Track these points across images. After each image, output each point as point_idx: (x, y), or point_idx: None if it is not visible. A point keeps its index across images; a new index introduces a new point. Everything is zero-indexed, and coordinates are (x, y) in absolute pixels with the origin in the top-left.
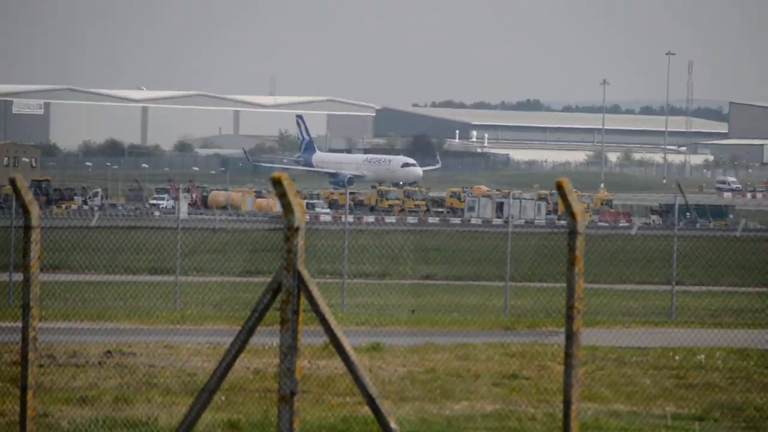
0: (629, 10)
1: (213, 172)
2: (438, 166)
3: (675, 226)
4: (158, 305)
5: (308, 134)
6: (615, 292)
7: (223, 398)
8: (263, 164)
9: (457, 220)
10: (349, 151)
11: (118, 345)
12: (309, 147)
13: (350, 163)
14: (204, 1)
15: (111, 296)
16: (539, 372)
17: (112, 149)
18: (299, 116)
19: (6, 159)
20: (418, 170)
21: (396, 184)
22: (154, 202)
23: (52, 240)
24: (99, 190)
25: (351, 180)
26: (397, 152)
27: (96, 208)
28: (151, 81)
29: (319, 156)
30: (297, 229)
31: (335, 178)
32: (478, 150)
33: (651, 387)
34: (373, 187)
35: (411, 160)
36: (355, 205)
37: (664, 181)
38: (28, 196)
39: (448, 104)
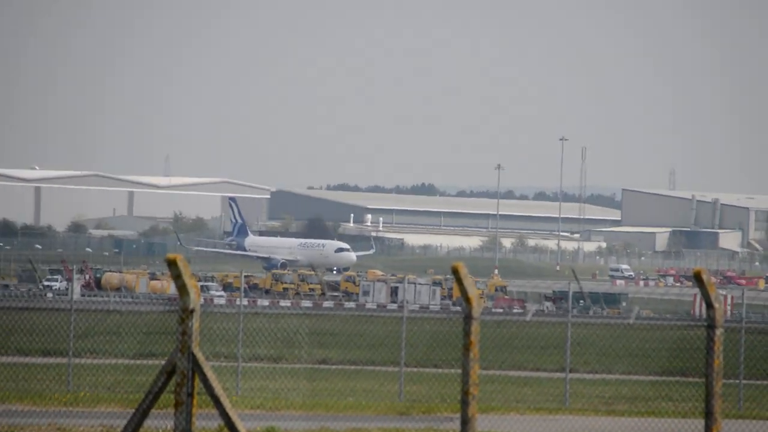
0: (523, 94)
1: (107, 253)
2: (372, 251)
3: (569, 312)
4: (51, 387)
5: (241, 217)
6: (509, 379)
7: None
8: (196, 247)
9: (351, 304)
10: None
11: (9, 427)
12: (242, 230)
13: (284, 248)
14: (97, 80)
15: (2, 378)
16: None
17: (4, 229)
18: (232, 199)
19: None
20: (352, 255)
21: (330, 270)
22: (47, 283)
23: None
24: None
25: (284, 264)
26: (291, 236)
27: None
28: (44, 160)
29: (251, 239)
30: (192, 311)
31: (268, 263)
32: (373, 234)
33: None
34: (265, 268)
35: (345, 245)
36: (249, 288)
37: (558, 267)
38: None
39: (343, 187)
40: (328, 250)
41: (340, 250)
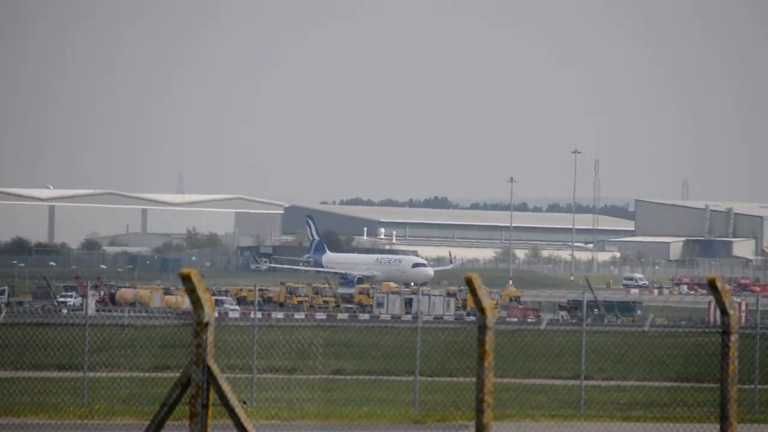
0: (534, 108)
1: (120, 269)
2: (451, 266)
3: (584, 321)
4: (66, 400)
5: (318, 235)
6: (524, 387)
7: None
8: (277, 266)
9: (366, 316)
10: (257, 249)
11: None
12: (319, 247)
13: (361, 264)
14: (108, 99)
15: (18, 392)
16: None
17: (18, 247)
18: (309, 216)
19: None
20: (429, 270)
21: (407, 285)
22: (62, 299)
23: None
24: (6, 287)
25: (361, 280)
26: (305, 250)
27: (2, 306)
28: (58, 180)
29: (329, 256)
30: (206, 324)
31: (345, 279)
32: (387, 247)
33: None
34: (282, 284)
35: (422, 260)
36: (264, 302)
37: (572, 277)
38: None
39: (356, 202)
40: (405, 265)
41: (417, 265)
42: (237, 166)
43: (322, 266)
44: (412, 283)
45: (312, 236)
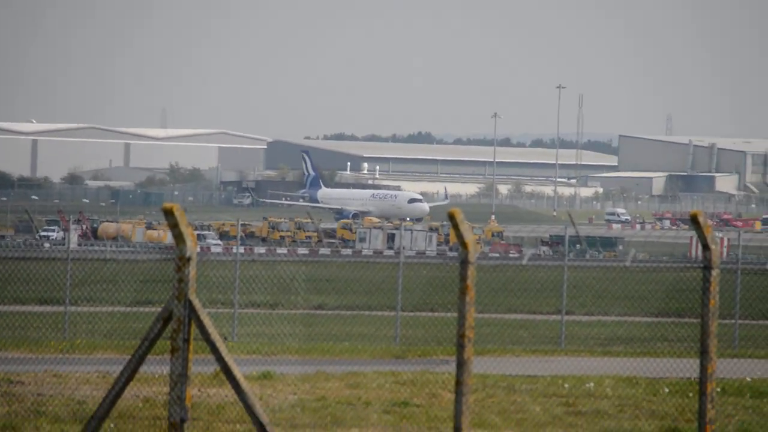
0: (520, 43)
1: (103, 204)
2: (447, 201)
3: (566, 256)
4: (47, 335)
5: (314, 170)
6: (505, 322)
7: (112, 425)
8: (268, 201)
9: (348, 251)
10: (240, 183)
11: (5, 374)
12: (314, 183)
13: (356, 199)
14: (94, 33)
15: None
16: (430, 400)
17: (1, 181)
18: (305, 152)
19: None
20: (425, 206)
21: (403, 220)
22: (44, 233)
23: None
24: None
25: (356, 216)
26: (288, 184)
27: None
28: (41, 113)
29: (324, 192)
30: (189, 259)
31: (341, 215)
32: (370, 182)
33: (540, 414)
34: (264, 218)
35: (418, 196)
36: (246, 237)
37: (555, 213)
38: None
39: (339, 137)
40: (401, 200)
41: (413, 200)
42: (220, 101)
43: (317, 202)
44: (408, 219)
45: (307, 171)
